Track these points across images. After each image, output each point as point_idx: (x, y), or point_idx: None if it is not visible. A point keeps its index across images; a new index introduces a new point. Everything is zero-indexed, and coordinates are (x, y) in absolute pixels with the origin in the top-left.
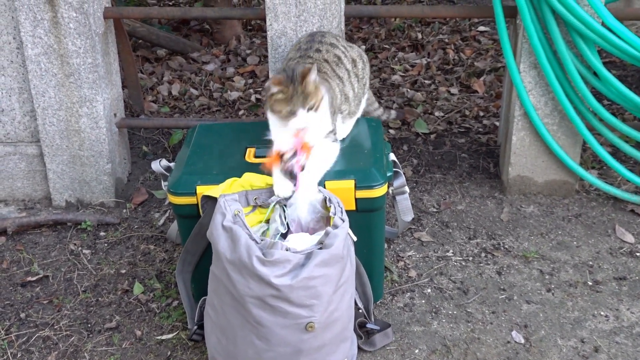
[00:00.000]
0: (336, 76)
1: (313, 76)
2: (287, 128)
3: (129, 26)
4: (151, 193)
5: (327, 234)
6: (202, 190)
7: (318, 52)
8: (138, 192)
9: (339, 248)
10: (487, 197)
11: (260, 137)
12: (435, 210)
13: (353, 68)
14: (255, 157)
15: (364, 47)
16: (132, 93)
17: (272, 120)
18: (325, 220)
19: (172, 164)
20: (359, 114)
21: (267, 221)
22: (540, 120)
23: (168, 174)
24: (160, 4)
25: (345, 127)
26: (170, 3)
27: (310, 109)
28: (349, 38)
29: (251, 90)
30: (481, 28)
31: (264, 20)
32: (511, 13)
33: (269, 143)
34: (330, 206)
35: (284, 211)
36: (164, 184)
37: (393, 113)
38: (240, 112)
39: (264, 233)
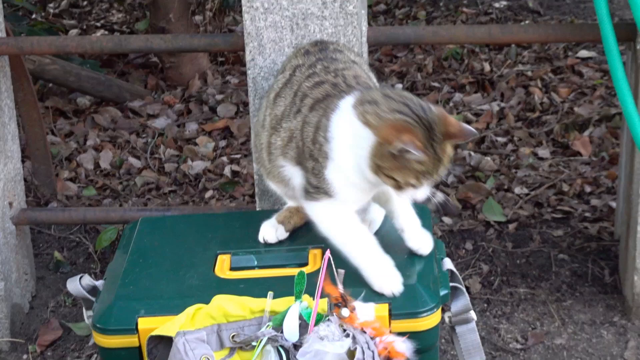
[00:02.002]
0: None
1: (453, 130)
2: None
3: (34, 63)
4: (68, 327)
5: None
6: (148, 325)
7: (339, 53)
8: (47, 327)
9: None
10: (602, 324)
11: (239, 236)
12: (520, 347)
13: None
14: (232, 269)
15: (400, 85)
16: (38, 168)
17: (351, 177)
18: None
19: (99, 283)
20: None
21: None
22: None
23: (93, 299)
24: (83, 26)
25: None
26: (98, 24)
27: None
28: (378, 73)
29: (224, 159)
30: (583, 53)
31: (243, 51)
32: (628, 34)
33: (255, 246)
34: (354, 350)
35: (280, 356)
36: (86, 314)
37: (439, 196)
38: (208, 194)
39: None
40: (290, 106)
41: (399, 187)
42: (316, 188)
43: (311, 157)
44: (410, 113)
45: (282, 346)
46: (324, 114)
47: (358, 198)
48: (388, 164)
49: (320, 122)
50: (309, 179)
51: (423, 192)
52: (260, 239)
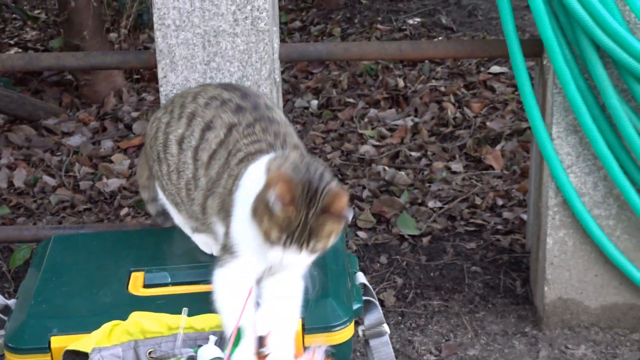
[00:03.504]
0: None
1: (339, 209)
2: (264, 258)
3: None
4: None
5: None
6: (61, 343)
7: (271, 111)
8: None
9: None
10: (514, 335)
11: (152, 253)
12: (434, 358)
13: None
14: (146, 286)
15: (315, 101)
16: None
17: (247, 227)
18: None
19: (11, 302)
20: None
21: None
22: (589, 212)
23: (5, 318)
24: None
25: None
26: (12, 42)
27: (308, 251)
28: (294, 89)
29: None
30: (495, 69)
31: (156, 68)
32: (534, 50)
33: (169, 263)
34: None
35: None
36: None
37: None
38: (123, 212)
39: None
40: (223, 166)
41: (267, 237)
42: (224, 248)
43: (226, 209)
44: (303, 174)
45: None
46: (247, 165)
47: (257, 254)
48: (262, 208)
49: (239, 173)
50: (222, 239)
51: (289, 257)
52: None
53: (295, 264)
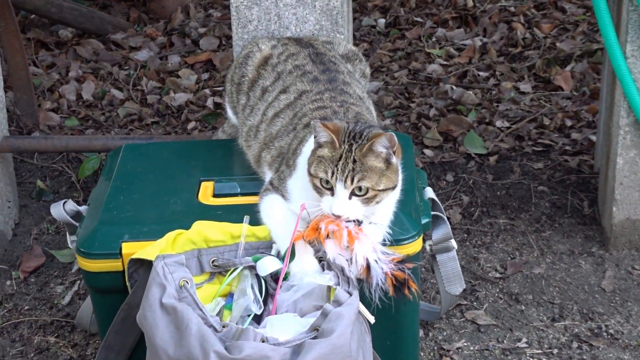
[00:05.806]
0: None
1: (381, 147)
2: (316, 208)
3: None
4: (51, 254)
5: (325, 314)
6: (132, 249)
7: (347, 86)
8: (30, 254)
9: (345, 336)
10: (580, 255)
11: (221, 164)
12: (499, 276)
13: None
14: (215, 195)
15: (382, 20)
16: (20, 97)
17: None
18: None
19: (83, 208)
20: None
21: (229, 295)
22: None
23: (77, 224)
24: None
25: None
26: None
27: (356, 194)
28: (361, 7)
29: (207, 91)
30: None
31: None
32: None
33: (238, 173)
34: (328, 275)
35: (259, 281)
36: (70, 239)
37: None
38: (190, 125)
39: (220, 312)
40: (287, 126)
41: (317, 188)
42: (275, 188)
43: (286, 163)
44: (350, 124)
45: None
46: (311, 131)
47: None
48: (311, 158)
49: (305, 137)
50: (272, 180)
51: (339, 202)
52: None
53: (346, 211)
